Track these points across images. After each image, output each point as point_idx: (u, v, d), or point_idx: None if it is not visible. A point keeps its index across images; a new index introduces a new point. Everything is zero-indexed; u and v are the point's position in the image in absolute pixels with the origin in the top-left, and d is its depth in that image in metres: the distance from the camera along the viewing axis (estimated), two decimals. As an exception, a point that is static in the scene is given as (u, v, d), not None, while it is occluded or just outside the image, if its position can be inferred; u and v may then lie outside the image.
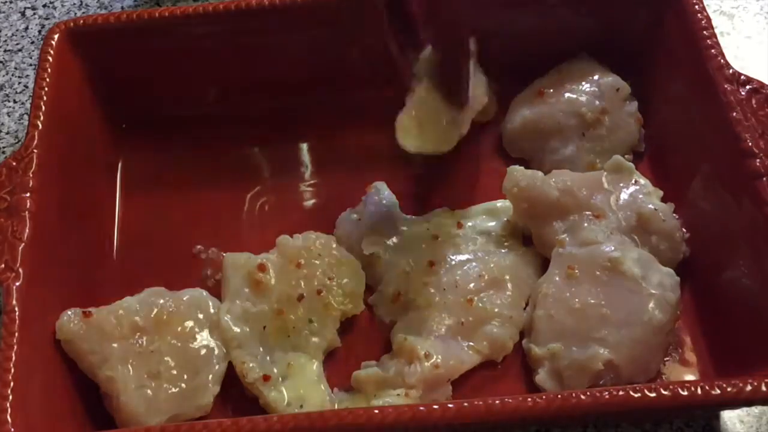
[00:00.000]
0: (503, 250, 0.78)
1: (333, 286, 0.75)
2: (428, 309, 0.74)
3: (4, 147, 0.92)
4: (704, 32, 0.76)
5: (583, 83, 0.83)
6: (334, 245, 0.77)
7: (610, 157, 0.79)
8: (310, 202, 0.85)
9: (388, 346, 0.74)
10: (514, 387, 0.73)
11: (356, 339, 0.77)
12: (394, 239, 0.79)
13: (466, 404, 0.62)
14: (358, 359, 0.74)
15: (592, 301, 0.71)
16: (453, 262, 0.77)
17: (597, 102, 0.82)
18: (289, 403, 0.70)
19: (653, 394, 0.62)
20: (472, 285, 0.75)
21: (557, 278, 0.73)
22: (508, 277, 0.76)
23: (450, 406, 0.62)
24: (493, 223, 0.80)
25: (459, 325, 0.73)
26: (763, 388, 0.61)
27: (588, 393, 0.62)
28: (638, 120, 0.83)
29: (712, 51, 0.75)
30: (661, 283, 0.71)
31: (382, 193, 0.82)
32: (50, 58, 0.80)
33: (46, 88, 0.78)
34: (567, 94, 0.82)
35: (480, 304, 0.74)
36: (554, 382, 0.70)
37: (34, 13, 1.03)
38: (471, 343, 0.73)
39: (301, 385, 0.71)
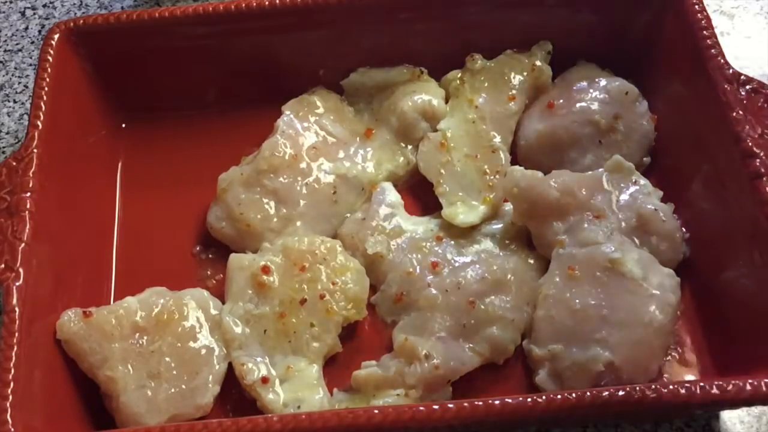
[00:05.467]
0: (507, 253, 0.78)
1: (336, 291, 0.74)
2: (430, 310, 0.74)
3: (4, 147, 0.92)
4: (704, 32, 0.76)
5: (592, 91, 0.82)
6: (339, 249, 0.77)
7: (630, 160, 0.79)
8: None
9: (390, 348, 0.74)
10: (515, 388, 0.73)
11: (358, 342, 0.77)
12: (398, 239, 0.79)
13: (466, 404, 0.62)
14: (360, 361, 0.74)
15: (593, 302, 0.71)
16: (456, 264, 0.77)
17: (609, 108, 0.81)
18: (286, 405, 0.70)
19: (653, 394, 0.62)
20: (474, 287, 0.75)
21: (557, 279, 0.73)
22: (510, 280, 0.75)
23: (450, 406, 0.62)
24: (497, 226, 0.80)
25: (461, 327, 0.73)
26: (763, 388, 0.61)
27: (588, 393, 0.62)
28: (652, 119, 0.82)
29: (712, 51, 0.75)
30: (662, 284, 0.71)
31: (388, 194, 0.82)
32: (50, 58, 0.80)
33: (46, 88, 0.78)
34: (578, 104, 0.82)
35: (482, 307, 0.74)
36: (555, 383, 0.70)
37: (34, 13, 1.03)
38: (472, 345, 0.73)
39: (299, 388, 0.71)
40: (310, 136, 0.83)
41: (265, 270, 0.75)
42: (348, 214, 0.82)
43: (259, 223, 0.79)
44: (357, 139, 0.85)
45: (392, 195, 0.82)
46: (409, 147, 0.85)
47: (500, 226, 0.80)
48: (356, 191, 0.83)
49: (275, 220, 0.80)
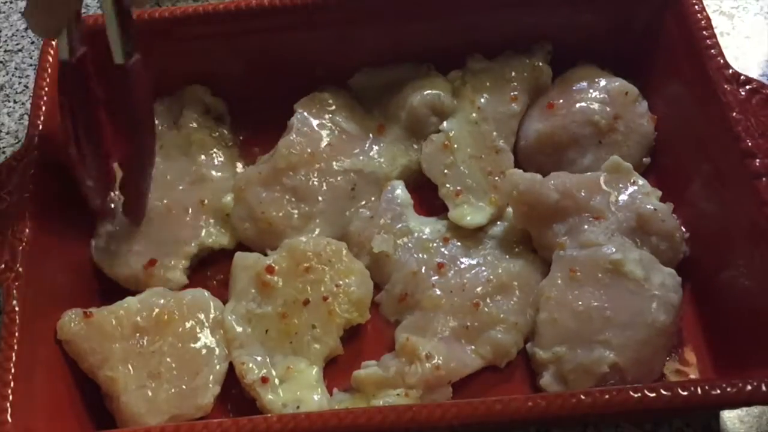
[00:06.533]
0: (513, 256, 0.78)
1: (339, 293, 0.74)
2: (434, 310, 0.74)
3: (4, 147, 0.92)
4: (704, 32, 0.76)
5: (591, 91, 0.82)
6: (345, 251, 0.77)
7: (630, 160, 0.79)
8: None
9: (392, 348, 0.74)
10: (517, 390, 0.73)
11: (360, 341, 0.76)
12: (405, 239, 0.79)
13: (466, 405, 0.62)
14: (361, 361, 0.74)
15: (595, 304, 0.71)
16: (462, 265, 0.77)
17: (608, 108, 0.81)
18: (285, 405, 0.70)
19: (653, 394, 0.62)
20: (479, 289, 0.75)
21: (559, 281, 0.73)
22: (516, 284, 0.75)
23: (450, 406, 0.62)
24: (505, 228, 0.80)
25: (464, 329, 0.73)
26: (763, 388, 0.61)
27: (588, 393, 0.62)
28: (651, 119, 0.82)
29: (712, 51, 0.75)
30: (664, 284, 0.71)
31: (398, 192, 0.82)
32: (50, 58, 0.80)
33: (46, 88, 0.78)
34: (578, 104, 0.82)
35: (486, 309, 0.74)
36: (559, 385, 0.70)
37: (34, 13, 1.03)
38: (474, 347, 0.73)
39: (298, 389, 0.71)
40: (325, 132, 0.83)
41: (270, 270, 0.75)
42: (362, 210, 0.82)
43: (281, 221, 0.79)
44: (370, 134, 0.85)
45: (402, 194, 0.82)
46: (421, 143, 0.84)
47: (507, 228, 0.80)
48: (374, 186, 0.82)
49: (296, 217, 0.79)
